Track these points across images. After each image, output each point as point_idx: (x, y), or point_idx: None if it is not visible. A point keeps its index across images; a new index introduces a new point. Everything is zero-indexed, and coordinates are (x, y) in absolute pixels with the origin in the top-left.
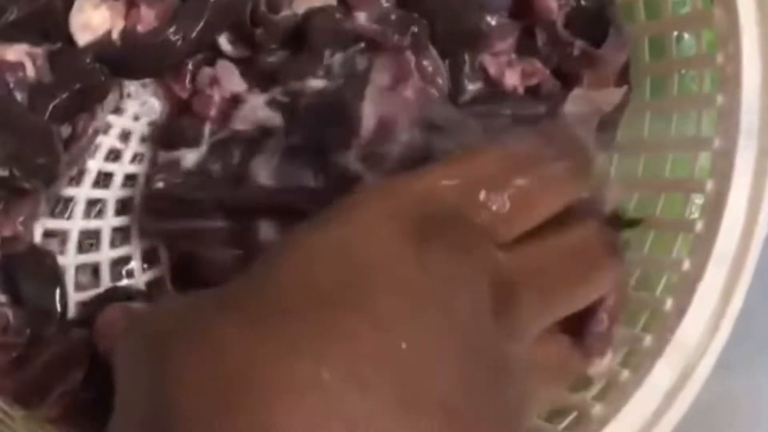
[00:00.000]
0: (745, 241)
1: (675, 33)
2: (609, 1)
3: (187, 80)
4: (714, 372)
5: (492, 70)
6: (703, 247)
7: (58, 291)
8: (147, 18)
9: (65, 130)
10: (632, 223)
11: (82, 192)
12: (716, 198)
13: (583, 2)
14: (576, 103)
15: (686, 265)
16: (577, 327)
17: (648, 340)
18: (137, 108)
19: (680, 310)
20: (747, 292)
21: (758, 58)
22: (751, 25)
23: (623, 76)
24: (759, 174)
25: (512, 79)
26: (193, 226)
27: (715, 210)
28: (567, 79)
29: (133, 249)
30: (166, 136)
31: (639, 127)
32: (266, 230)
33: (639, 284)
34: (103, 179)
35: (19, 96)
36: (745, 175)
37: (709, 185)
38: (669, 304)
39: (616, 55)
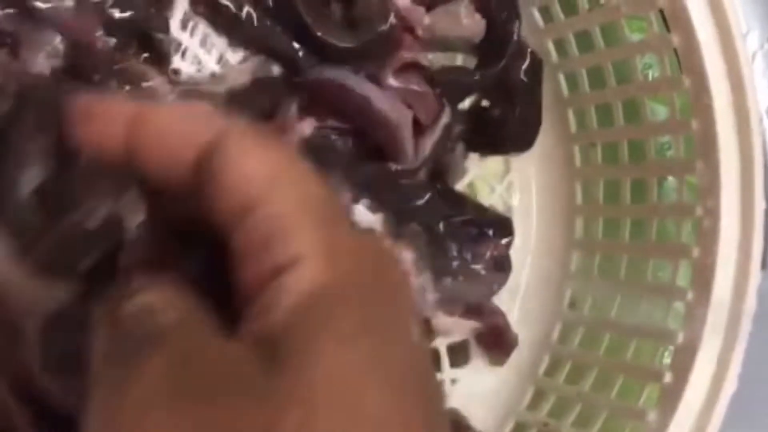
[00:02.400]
0: (712, 398)
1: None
2: None
3: None
4: None
5: None
6: (670, 399)
7: None
8: None
9: None
10: None
11: None
12: (686, 351)
13: None
14: None
15: (651, 416)
16: None
17: None
18: None
19: None
20: None
21: (737, 214)
22: (732, 181)
23: None
24: (730, 329)
25: None
26: None
27: (684, 362)
28: None
29: None
30: None
31: (615, 269)
32: None
33: (605, 429)
34: None
35: None
36: (717, 330)
37: (680, 337)
38: None
39: None
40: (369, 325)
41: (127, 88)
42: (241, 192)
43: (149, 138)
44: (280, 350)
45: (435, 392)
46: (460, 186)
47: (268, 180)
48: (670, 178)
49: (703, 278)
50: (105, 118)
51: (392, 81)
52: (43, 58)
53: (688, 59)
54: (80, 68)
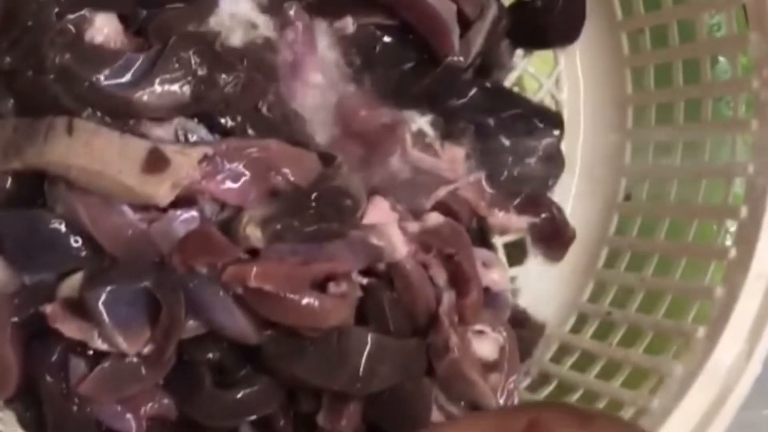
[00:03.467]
0: None
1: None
2: None
3: None
4: (749, 399)
5: None
6: (736, 274)
7: None
8: None
9: None
10: None
11: None
12: (750, 224)
13: None
14: None
15: (719, 292)
16: None
17: (679, 368)
18: None
19: (712, 338)
20: None
21: None
22: None
23: None
24: None
25: None
26: None
27: (748, 237)
28: None
29: None
30: None
31: (672, 152)
32: None
33: (670, 311)
34: None
35: None
36: None
37: (743, 212)
38: (701, 332)
39: None
40: None
41: None
42: None
43: None
44: None
45: None
46: (508, 83)
47: None
48: (722, 60)
49: (764, 149)
50: None
51: None
52: None
53: None
54: None
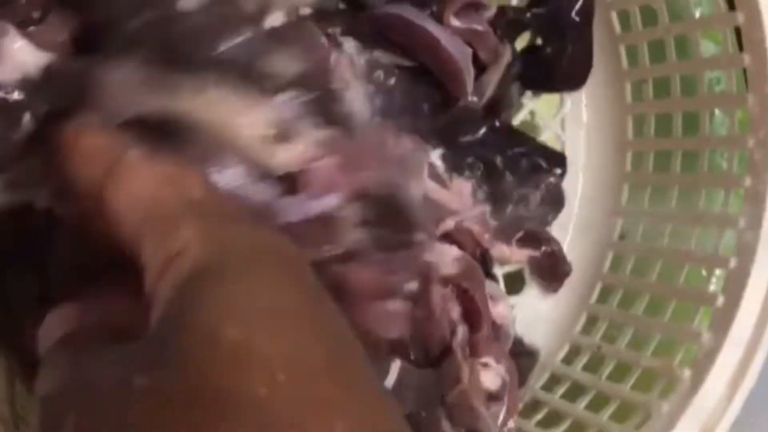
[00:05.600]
0: (764, 318)
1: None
2: None
3: None
4: None
5: None
6: (722, 321)
7: None
8: None
9: None
10: None
11: None
12: (738, 275)
13: None
14: None
15: (705, 337)
16: None
17: (665, 407)
18: None
19: (697, 381)
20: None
21: None
22: None
23: None
24: None
25: None
26: None
27: (736, 287)
28: None
29: None
30: None
31: (667, 199)
32: None
33: (658, 350)
34: None
35: None
36: None
37: (732, 262)
38: (687, 374)
39: None
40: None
41: None
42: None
43: None
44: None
45: (336, 334)
46: (516, 121)
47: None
48: (718, 113)
49: (755, 205)
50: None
51: (454, 20)
52: None
53: None
54: None
